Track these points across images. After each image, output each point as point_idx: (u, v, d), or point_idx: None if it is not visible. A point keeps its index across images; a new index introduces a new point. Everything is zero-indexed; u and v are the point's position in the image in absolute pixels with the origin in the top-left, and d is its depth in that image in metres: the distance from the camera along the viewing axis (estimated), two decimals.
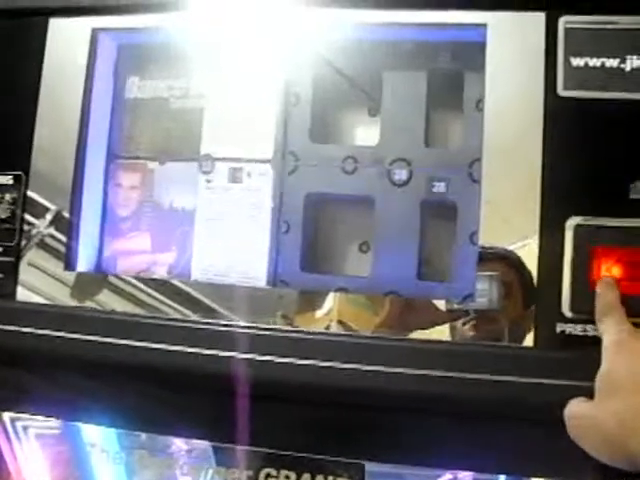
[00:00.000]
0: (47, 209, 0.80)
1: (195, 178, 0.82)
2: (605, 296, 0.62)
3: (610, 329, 0.60)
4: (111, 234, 0.85)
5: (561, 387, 0.61)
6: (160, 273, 0.82)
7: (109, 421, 0.77)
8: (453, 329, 0.68)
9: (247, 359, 0.68)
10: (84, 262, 0.82)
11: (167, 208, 0.84)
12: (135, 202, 0.85)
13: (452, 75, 0.76)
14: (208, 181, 0.81)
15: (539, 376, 0.62)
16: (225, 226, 0.80)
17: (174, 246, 0.83)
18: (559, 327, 0.64)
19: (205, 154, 0.81)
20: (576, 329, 0.64)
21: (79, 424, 0.79)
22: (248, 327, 0.71)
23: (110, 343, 0.72)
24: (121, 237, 0.85)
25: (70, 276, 0.79)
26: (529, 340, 0.65)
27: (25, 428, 0.81)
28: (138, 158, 0.85)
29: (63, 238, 0.80)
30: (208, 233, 0.81)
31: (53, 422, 0.80)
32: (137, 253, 0.84)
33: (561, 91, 0.67)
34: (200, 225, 0.81)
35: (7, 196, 0.81)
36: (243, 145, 0.80)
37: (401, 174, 0.76)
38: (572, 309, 0.64)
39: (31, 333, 0.75)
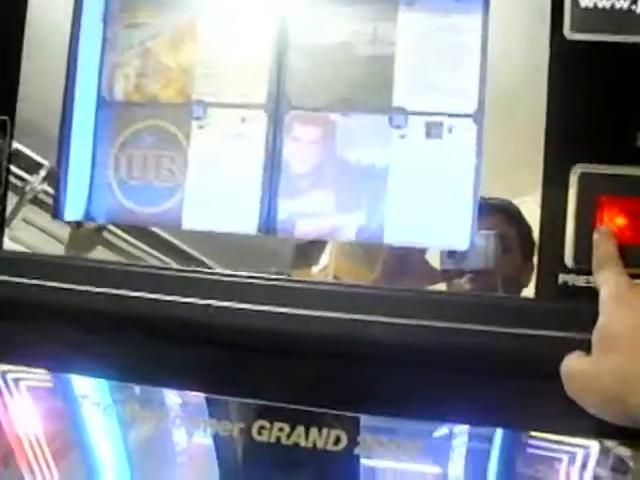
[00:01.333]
0: (39, 164, 0.78)
1: (385, 132, 0.74)
2: (602, 246, 0.61)
3: (608, 281, 0.59)
4: (287, 193, 0.76)
5: (563, 339, 0.60)
6: (347, 236, 0.74)
7: (99, 373, 0.76)
8: (450, 282, 0.67)
9: (240, 309, 0.67)
10: (73, 211, 0.80)
11: (353, 164, 0.75)
12: (315, 157, 0.76)
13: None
14: (402, 137, 0.74)
15: (540, 327, 0.61)
16: (421, 186, 0.73)
17: (363, 206, 0.75)
18: (561, 278, 0.63)
19: (397, 107, 0.74)
20: (579, 280, 0.63)
21: (70, 376, 0.78)
22: (240, 276, 0.70)
23: (99, 292, 0.71)
24: (300, 196, 0.76)
25: (59, 227, 0.78)
26: (530, 291, 0.64)
27: (16, 380, 0.81)
28: (317, 109, 0.76)
29: (50, 189, 0.78)
30: (402, 193, 0.73)
31: (44, 374, 0.79)
32: (319, 214, 0.76)
33: (568, 34, 0.65)
34: (393, 184, 0.73)
35: None
36: (441, 97, 0.73)
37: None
38: (575, 259, 0.63)
39: (18, 283, 0.74)
